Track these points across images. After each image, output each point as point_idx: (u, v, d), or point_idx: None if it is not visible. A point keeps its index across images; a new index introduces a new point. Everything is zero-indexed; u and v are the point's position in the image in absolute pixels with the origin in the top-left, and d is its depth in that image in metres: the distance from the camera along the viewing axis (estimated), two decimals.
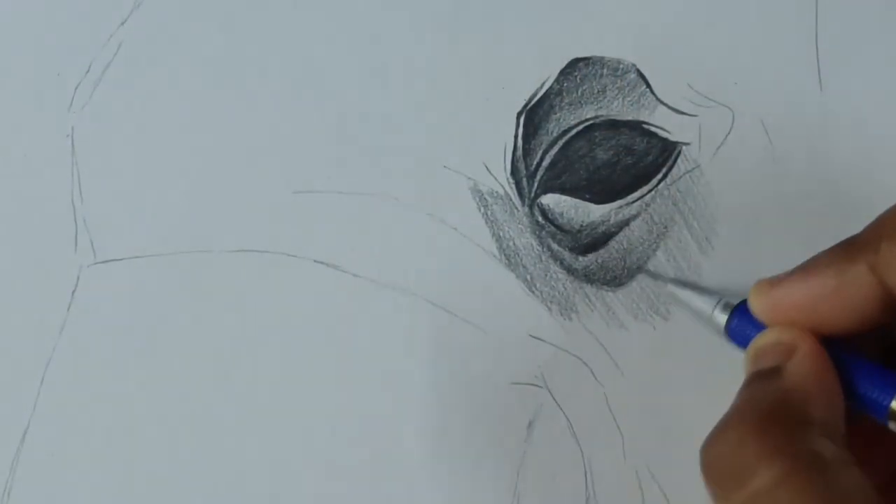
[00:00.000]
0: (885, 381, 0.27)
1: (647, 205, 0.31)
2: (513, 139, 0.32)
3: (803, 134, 0.32)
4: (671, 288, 0.31)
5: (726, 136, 0.32)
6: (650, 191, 0.32)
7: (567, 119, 0.32)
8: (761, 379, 0.28)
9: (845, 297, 0.28)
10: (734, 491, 0.26)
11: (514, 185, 0.31)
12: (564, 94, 0.32)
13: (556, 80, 0.32)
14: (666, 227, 0.31)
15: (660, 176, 0.31)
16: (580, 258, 0.31)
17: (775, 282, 0.28)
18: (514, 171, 0.31)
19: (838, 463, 0.25)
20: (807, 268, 0.28)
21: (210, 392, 0.31)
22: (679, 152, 0.32)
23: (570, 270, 0.31)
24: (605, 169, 0.31)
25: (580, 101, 0.32)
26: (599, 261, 0.31)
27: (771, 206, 0.32)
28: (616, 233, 0.31)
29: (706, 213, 0.32)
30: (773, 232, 0.32)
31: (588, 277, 0.31)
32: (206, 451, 0.31)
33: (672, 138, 0.32)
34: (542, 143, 0.31)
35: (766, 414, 0.26)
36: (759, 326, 0.28)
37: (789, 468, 0.25)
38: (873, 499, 0.25)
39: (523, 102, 0.32)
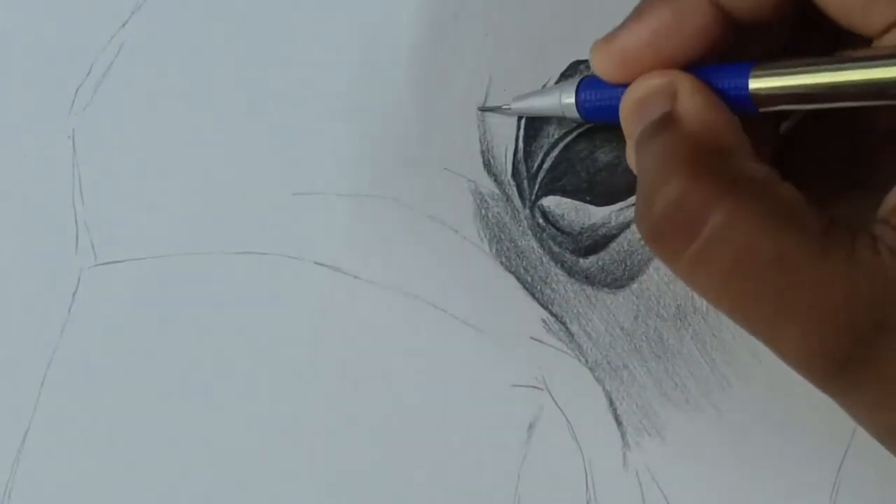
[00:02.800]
0: (739, 71, 0.27)
1: None
2: (514, 141, 0.32)
3: None
4: (515, 106, 0.31)
5: None
6: None
7: (568, 121, 0.32)
8: (658, 130, 0.27)
9: (686, 26, 0.27)
10: (689, 244, 0.25)
11: (514, 187, 0.31)
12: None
13: (557, 82, 0.32)
14: None
15: None
16: (581, 260, 0.31)
17: (612, 35, 0.28)
18: (515, 173, 0.31)
19: (771, 179, 0.26)
20: (639, 11, 0.28)
21: (210, 393, 0.31)
22: None
23: (570, 272, 0.31)
24: (605, 171, 0.31)
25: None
26: (600, 263, 0.31)
27: None
28: (617, 235, 0.31)
29: None
30: None
31: (589, 279, 0.31)
32: (206, 452, 0.31)
33: None
34: (543, 146, 0.32)
35: (691, 159, 0.26)
36: (611, 91, 0.28)
37: (735, 201, 0.25)
38: (806, 207, 0.25)
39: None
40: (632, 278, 0.31)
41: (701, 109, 0.27)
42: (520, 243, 0.31)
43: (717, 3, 0.27)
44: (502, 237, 0.31)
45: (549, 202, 0.31)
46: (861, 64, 0.25)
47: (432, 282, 0.31)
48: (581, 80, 0.29)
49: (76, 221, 0.31)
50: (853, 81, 0.25)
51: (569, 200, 0.31)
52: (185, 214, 0.31)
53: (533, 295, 0.31)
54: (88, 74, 0.32)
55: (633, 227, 0.31)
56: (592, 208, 0.31)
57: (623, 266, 0.31)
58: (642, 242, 0.31)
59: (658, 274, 0.31)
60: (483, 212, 0.31)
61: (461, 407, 0.31)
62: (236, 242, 0.31)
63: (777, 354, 0.25)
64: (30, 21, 0.33)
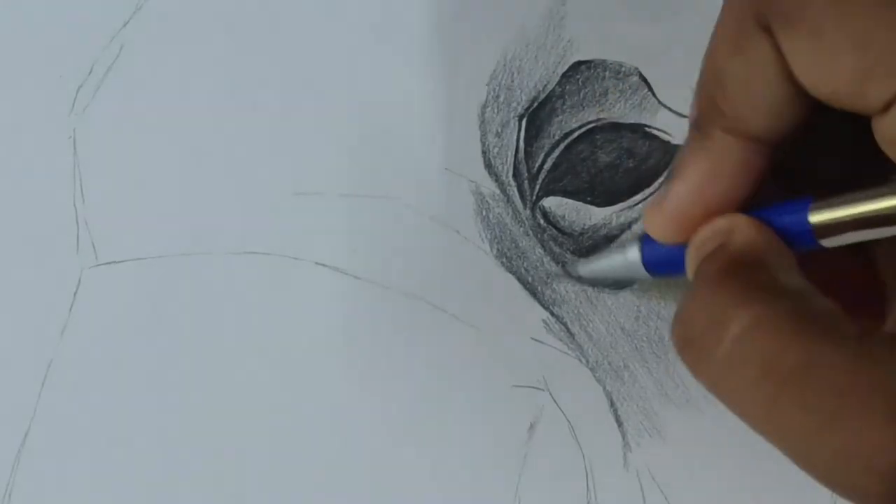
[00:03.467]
0: (797, 207, 0.27)
1: None
2: (514, 142, 0.32)
3: None
4: (582, 270, 0.31)
5: None
6: (651, 193, 0.32)
7: (569, 122, 0.32)
8: (712, 257, 0.27)
9: (726, 170, 0.28)
10: (713, 349, 0.25)
11: (515, 188, 0.32)
12: (566, 96, 0.32)
13: (559, 83, 0.32)
14: None
15: (661, 179, 0.32)
16: (582, 262, 0.31)
17: (659, 199, 0.28)
18: (516, 174, 0.32)
19: (809, 291, 0.25)
20: (678, 168, 0.28)
21: (212, 393, 0.31)
22: None
23: (571, 272, 0.31)
24: (606, 172, 0.32)
25: (582, 104, 0.32)
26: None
27: None
28: (618, 235, 0.31)
29: None
30: None
31: (590, 279, 0.31)
32: (207, 452, 0.31)
33: (674, 141, 0.32)
34: (544, 146, 0.32)
35: (725, 269, 0.26)
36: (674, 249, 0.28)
37: (764, 306, 0.25)
38: (844, 318, 0.25)
39: (525, 105, 0.32)
40: (632, 279, 0.32)
41: (748, 235, 0.27)
42: (521, 244, 0.31)
43: (748, 138, 0.27)
44: (503, 237, 0.31)
45: (550, 203, 0.31)
46: None
47: (433, 282, 0.31)
48: (642, 239, 0.29)
49: (77, 221, 0.32)
50: None
51: (570, 201, 0.32)
52: (187, 214, 0.32)
53: (534, 295, 0.31)
54: (90, 74, 0.32)
55: (634, 228, 0.31)
56: (593, 209, 0.32)
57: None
58: None
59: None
60: (484, 212, 0.32)
61: (462, 407, 0.31)
62: (237, 243, 0.31)
63: (815, 475, 0.24)
64: (30, 21, 0.33)
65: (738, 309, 0.25)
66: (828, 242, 0.26)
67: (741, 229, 0.27)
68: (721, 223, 0.27)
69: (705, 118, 0.27)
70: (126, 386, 0.31)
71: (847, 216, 0.26)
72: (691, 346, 0.26)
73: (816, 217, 0.26)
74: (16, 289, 0.32)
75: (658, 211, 0.28)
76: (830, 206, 0.26)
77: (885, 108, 0.24)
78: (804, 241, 0.27)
